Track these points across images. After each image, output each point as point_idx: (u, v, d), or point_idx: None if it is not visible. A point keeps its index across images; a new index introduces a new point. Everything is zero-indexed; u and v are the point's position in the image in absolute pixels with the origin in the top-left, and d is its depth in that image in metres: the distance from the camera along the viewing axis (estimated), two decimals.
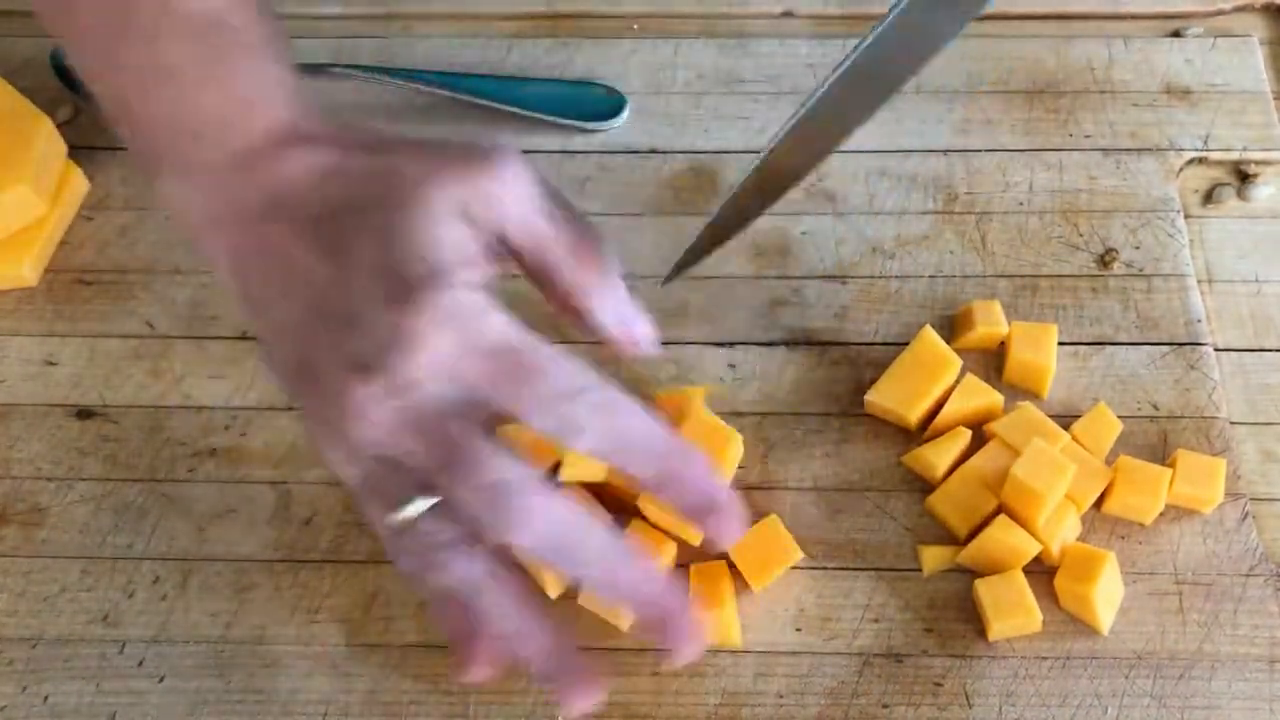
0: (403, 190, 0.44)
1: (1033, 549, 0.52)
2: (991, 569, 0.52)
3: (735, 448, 0.56)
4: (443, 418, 0.43)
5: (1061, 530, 0.53)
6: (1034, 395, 0.58)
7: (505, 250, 0.46)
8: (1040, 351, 0.57)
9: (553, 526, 0.43)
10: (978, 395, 0.56)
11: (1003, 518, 0.53)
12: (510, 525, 0.43)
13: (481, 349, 0.43)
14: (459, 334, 0.42)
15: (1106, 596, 0.51)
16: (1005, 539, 0.52)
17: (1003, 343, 0.59)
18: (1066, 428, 0.55)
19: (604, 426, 0.44)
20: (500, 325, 0.43)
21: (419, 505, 0.45)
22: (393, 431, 0.43)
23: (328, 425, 0.44)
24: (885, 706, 0.51)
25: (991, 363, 0.59)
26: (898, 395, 0.56)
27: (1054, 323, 0.59)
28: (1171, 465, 0.54)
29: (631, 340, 0.48)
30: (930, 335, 0.57)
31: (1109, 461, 0.55)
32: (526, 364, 0.43)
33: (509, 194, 0.45)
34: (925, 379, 0.56)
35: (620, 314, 0.47)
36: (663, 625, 0.46)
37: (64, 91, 0.69)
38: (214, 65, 0.46)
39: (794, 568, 0.54)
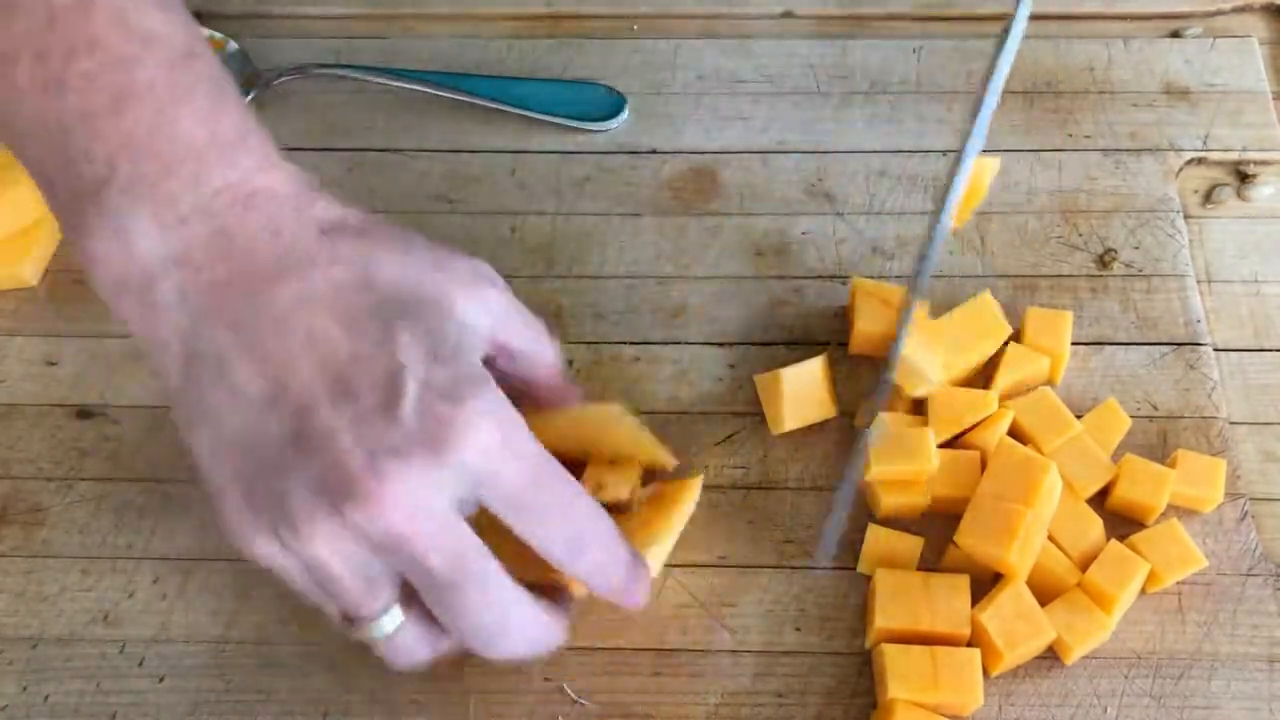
0: (440, 298, 0.43)
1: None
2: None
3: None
4: (458, 525, 0.42)
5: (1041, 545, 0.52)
6: (1047, 382, 0.58)
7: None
8: (1055, 338, 0.57)
9: (525, 640, 0.46)
10: (1026, 362, 0.57)
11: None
12: (497, 644, 0.45)
13: (518, 452, 0.42)
14: (503, 431, 0.42)
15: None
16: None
17: (1015, 333, 0.59)
18: None
19: (596, 557, 0.45)
20: (530, 435, 0.43)
21: (397, 616, 0.44)
22: (384, 543, 0.41)
23: (271, 530, 0.42)
24: None
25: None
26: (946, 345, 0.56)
27: None
28: (1171, 465, 0.55)
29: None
30: (988, 299, 0.58)
31: (1113, 458, 0.55)
32: (553, 480, 0.43)
33: (500, 307, 0.46)
34: (974, 336, 0.57)
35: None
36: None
37: None
38: (188, 93, 0.42)
39: (793, 568, 0.54)
